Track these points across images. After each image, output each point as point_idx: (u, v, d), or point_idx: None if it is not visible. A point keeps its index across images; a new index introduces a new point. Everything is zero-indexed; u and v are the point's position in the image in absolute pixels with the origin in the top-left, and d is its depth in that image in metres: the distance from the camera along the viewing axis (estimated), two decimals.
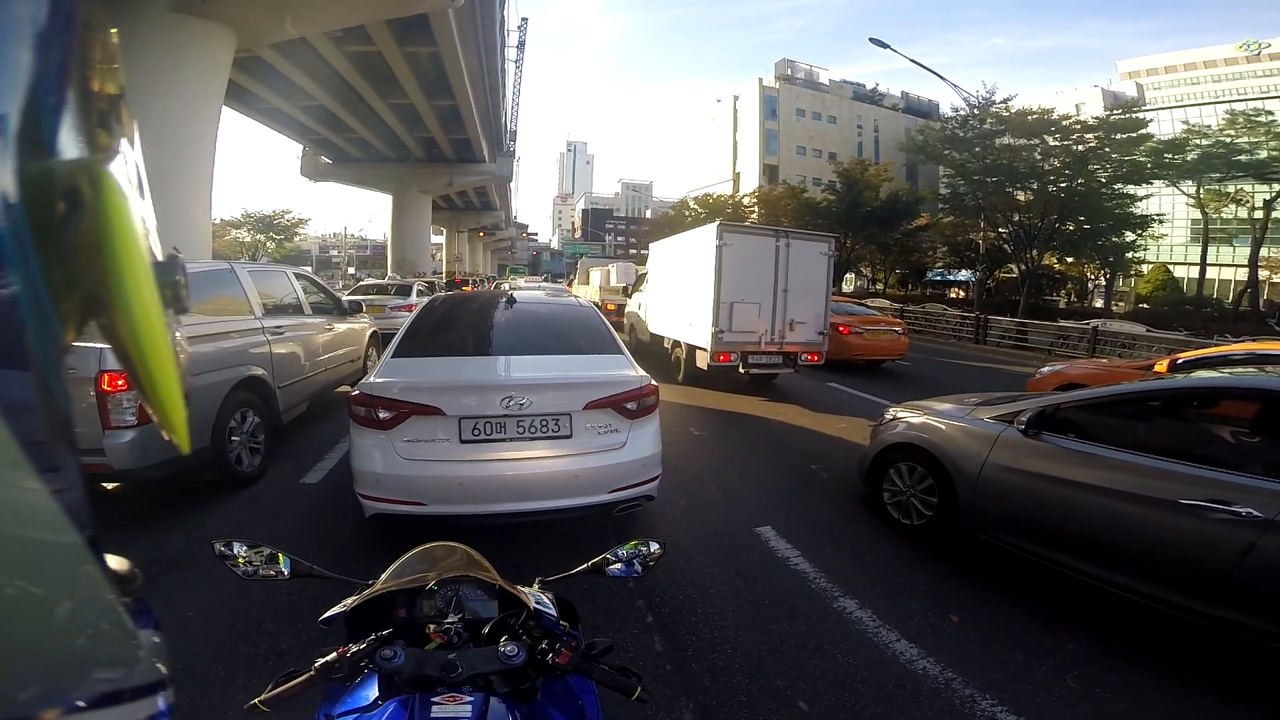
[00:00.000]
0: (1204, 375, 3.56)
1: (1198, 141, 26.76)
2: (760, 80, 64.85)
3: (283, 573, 1.19)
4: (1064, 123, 24.35)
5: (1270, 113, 28.19)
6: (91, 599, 0.40)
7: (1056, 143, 24.31)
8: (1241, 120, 27.34)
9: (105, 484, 3.84)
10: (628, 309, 13.54)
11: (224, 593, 2.96)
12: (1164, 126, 32.98)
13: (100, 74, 0.39)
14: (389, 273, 34.20)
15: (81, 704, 0.39)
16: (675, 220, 43.55)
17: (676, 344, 9.81)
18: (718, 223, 8.43)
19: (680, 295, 9.52)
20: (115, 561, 0.48)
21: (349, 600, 1.09)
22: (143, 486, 3.97)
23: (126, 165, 0.40)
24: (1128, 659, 2.76)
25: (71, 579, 0.38)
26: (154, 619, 0.52)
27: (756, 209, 42.05)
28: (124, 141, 0.41)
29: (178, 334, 0.45)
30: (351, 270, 57.21)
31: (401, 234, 39.02)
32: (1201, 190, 29.64)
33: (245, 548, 1.19)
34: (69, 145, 0.34)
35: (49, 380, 0.34)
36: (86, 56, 0.37)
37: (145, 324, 0.38)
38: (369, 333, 8.16)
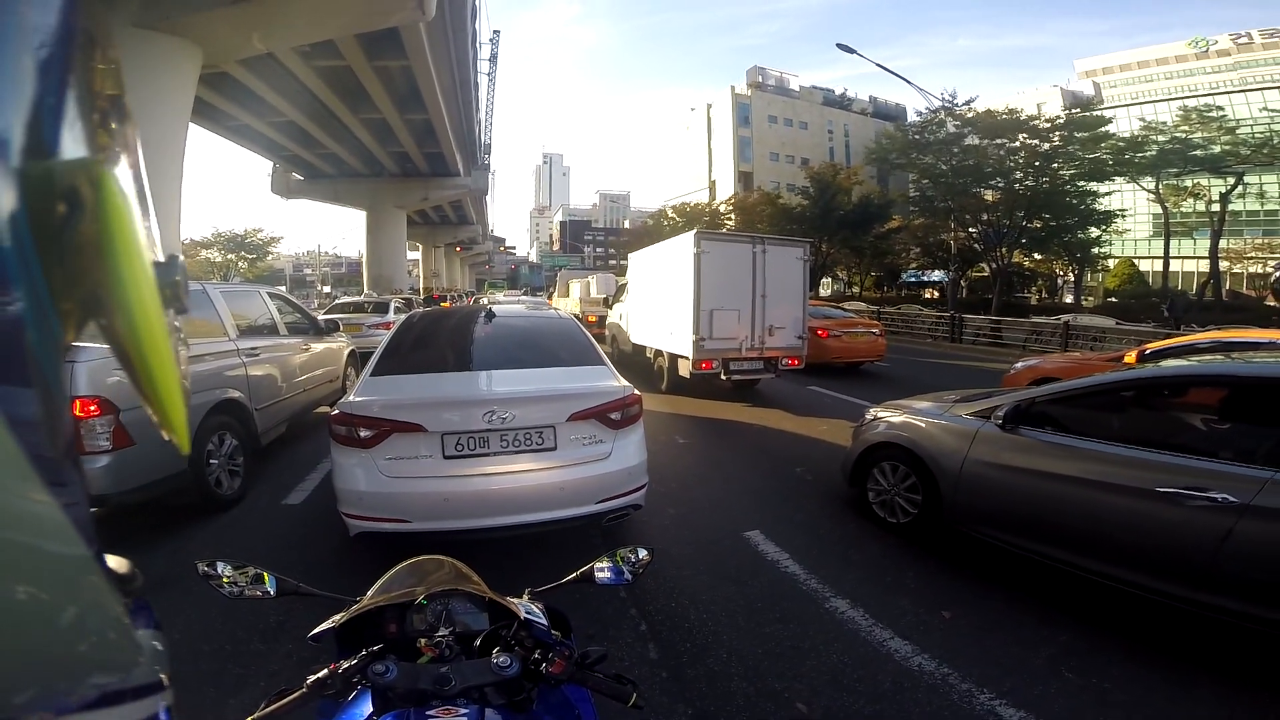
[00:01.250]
0: (1173, 364, 3.65)
1: (1155, 138, 27.66)
2: (733, 88, 65.88)
3: (269, 592, 1.17)
4: (1031, 123, 25.08)
5: (1221, 108, 29.29)
6: (95, 606, 0.40)
7: (1022, 142, 25.03)
8: (1194, 116, 28.37)
9: None
10: (609, 320, 13.52)
11: (210, 614, 2.90)
12: (1121, 124, 34.13)
13: (100, 74, 0.39)
14: (365, 290, 33.81)
15: (79, 707, 0.38)
16: (654, 229, 43.88)
17: (659, 353, 9.81)
18: (695, 231, 8.49)
19: (661, 304, 9.54)
20: (115, 562, 0.48)
21: (338, 616, 1.08)
22: (121, 511, 3.88)
23: (128, 166, 0.40)
24: (1124, 648, 2.79)
25: (77, 588, 0.38)
26: (154, 619, 0.51)
27: (733, 216, 42.51)
28: (125, 142, 0.41)
29: (179, 335, 0.45)
30: (327, 289, 56.50)
31: (377, 250, 38.57)
32: (1161, 185, 30.62)
33: (230, 567, 1.17)
34: (69, 145, 0.34)
35: (50, 385, 0.34)
36: (87, 56, 0.36)
37: (145, 324, 0.38)
38: (347, 352, 8.05)
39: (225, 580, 1.15)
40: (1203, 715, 2.41)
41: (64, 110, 0.33)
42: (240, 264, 51.81)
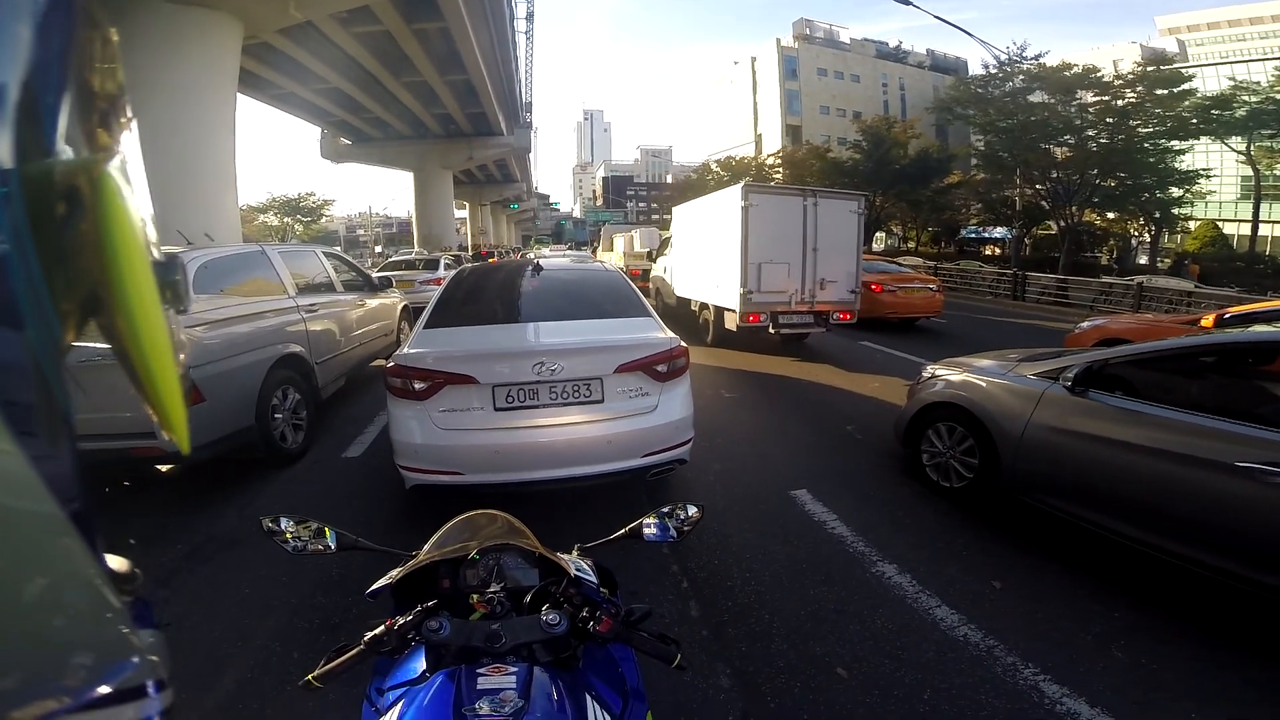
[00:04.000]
0: (1263, 330, 3.38)
1: (1246, 98, 25.35)
2: (779, 40, 63.10)
3: (329, 546, 1.21)
4: (1104, 79, 23.54)
5: None
6: (72, 578, 0.39)
7: (1094, 99, 23.49)
8: None
9: (160, 466, 3.98)
10: (653, 273, 13.50)
11: (277, 569, 3.05)
12: (1210, 83, 31.23)
13: (100, 74, 0.39)
14: (416, 248, 34.50)
15: (61, 704, 0.38)
16: (697, 184, 42.97)
17: (704, 306, 9.76)
18: (743, 184, 8.28)
19: (707, 257, 9.42)
20: (115, 561, 0.48)
21: (394, 572, 1.11)
22: (195, 468, 4.11)
23: (126, 165, 0.40)
24: (1178, 629, 2.66)
25: (48, 553, 0.37)
26: (154, 620, 0.52)
27: (781, 170, 41.17)
28: (125, 142, 0.41)
29: (178, 334, 0.45)
30: (379, 249, 57.89)
31: (426, 210, 39.24)
32: (1253, 146, 28.23)
33: (292, 523, 1.21)
34: (69, 145, 0.34)
35: (49, 380, 0.34)
36: (87, 56, 0.37)
37: (145, 324, 0.39)
38: (400, 307, 8.24)
39: (288, 535, 1.19)
40: (1254, 699, 2.29)
41: (64, 109, 0.34)
42: (296, 227, 53.46)
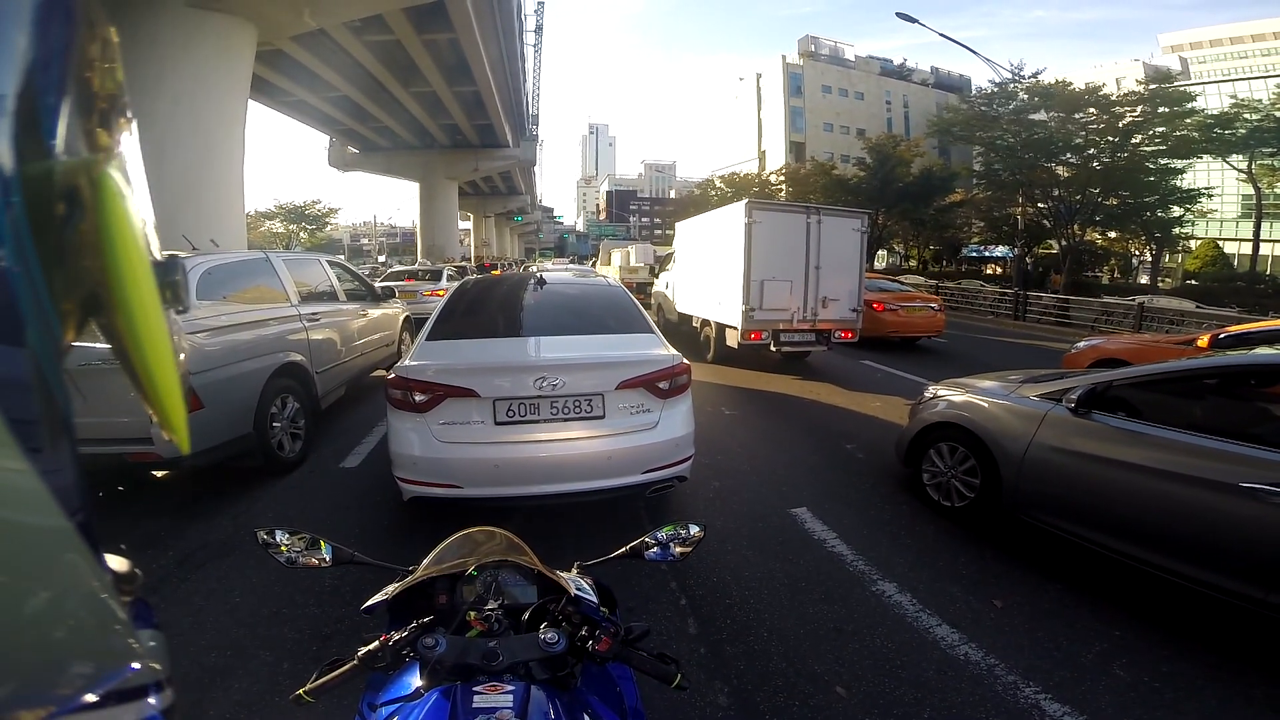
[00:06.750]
0: (1266, 352, 3.38)
1: (1248, 116, 25.47)
2: (784, 57, 63.74)
3: (324, 559, 1.19)
4: (1109, 97, 23.61)
5: None
6: (76, 587, 0.39)
7: (1097, 116, 23.57)
8: None
9: (155, 472, 3.95)
10: (654, 288, 13.55)
11: (269, 577, 3.03)
12: (1211, 101, 31.45)
13: (100, 74, 0.39)
14: (419, 259, 34.68)
15: (62, 705, 0.37)
16: (700, 199, 43.25)
17: (706, 323, 9.77)
18: (747, 200, 8.31)
19: (709, 274, 9.44)
20: (115, 561, 0.48)
21: (390, 588, 1.09)
22: (191, 474, 4.08)
23: (126, 165, 0.40)
24: (1178, 647, 2.65)
25: (54, 566, 0.37)
26: (153, 620, 0.51)
27: (784, 187, 41.39)
28: (125, 142, 0.41)
29: (178, 334, 0.45)
30: (382, 258, 58.01)
31: (430, 220, 39.47)
32: (1254, 165, 28.35)
33: (287, 535, 1.19)
34: (69, 145, 0.34)
35: (49, 380, 0.34)
36: (87, 56, 0.37)
37: (145, 324, 0.39)
38: (402, 317, 8.25)
39: (283, 548, 1.18)
40: (1256, 717, 2.28)
41: (64, 109, 0.34)
42: (301, 234, 53.77)
